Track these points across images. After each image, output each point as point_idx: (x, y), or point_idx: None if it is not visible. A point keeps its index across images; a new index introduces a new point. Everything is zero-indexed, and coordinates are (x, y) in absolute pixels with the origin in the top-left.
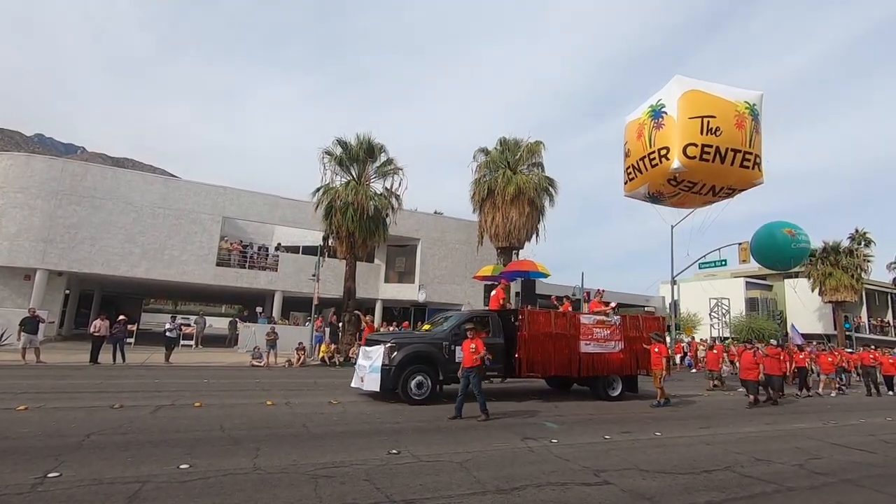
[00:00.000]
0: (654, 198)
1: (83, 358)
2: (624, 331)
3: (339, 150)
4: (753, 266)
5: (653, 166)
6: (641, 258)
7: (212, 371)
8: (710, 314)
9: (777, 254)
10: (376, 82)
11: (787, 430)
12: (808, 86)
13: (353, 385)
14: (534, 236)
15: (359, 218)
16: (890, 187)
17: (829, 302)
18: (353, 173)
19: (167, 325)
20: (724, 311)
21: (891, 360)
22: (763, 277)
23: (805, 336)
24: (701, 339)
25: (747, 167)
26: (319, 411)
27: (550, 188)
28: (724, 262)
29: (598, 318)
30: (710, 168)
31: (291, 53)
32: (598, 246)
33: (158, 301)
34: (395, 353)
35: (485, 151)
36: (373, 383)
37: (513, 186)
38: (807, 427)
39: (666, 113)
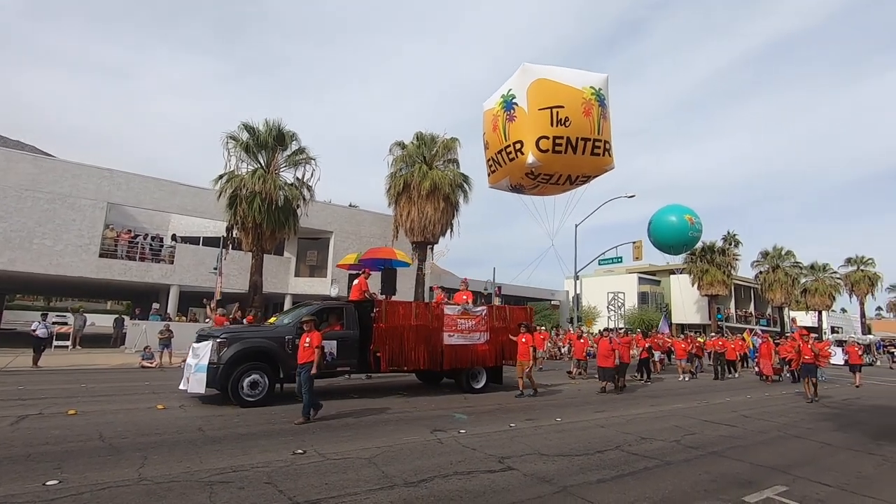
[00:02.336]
0: (517, 189)
1: None
2: (490, 322)
3: (245, 136)
4: (645, 263)
5: (510, 160)
6: (549, 255)
7: (92, 374)
8: (607, 307)
9: (673, 236)
10: (287, 70)
11: (668, 410)
12: (691, 106)
13: (180, 388)
14: (448, 232)
15: (267, 208)
16: (755, 197)
17: (706, 295)
18: (262, 161)
19: (35, 324)
20: (619, 304)
21: (732, 346)
22: (653, 273)
23: (686, 326)
24: (575, 329)
25: (598, 154)
26: (218, 413)
27: (465, 185)
28: (620, 259)
29: (462, 309)
30: (564, 159)
31: (190, 31)
32: (509, 243)
33: (28, 297)
34: (226, 349)
35: (401, 145)
36: (198, 384)
37: (428, 182)
38: (684, 407)
39: (517, 104)
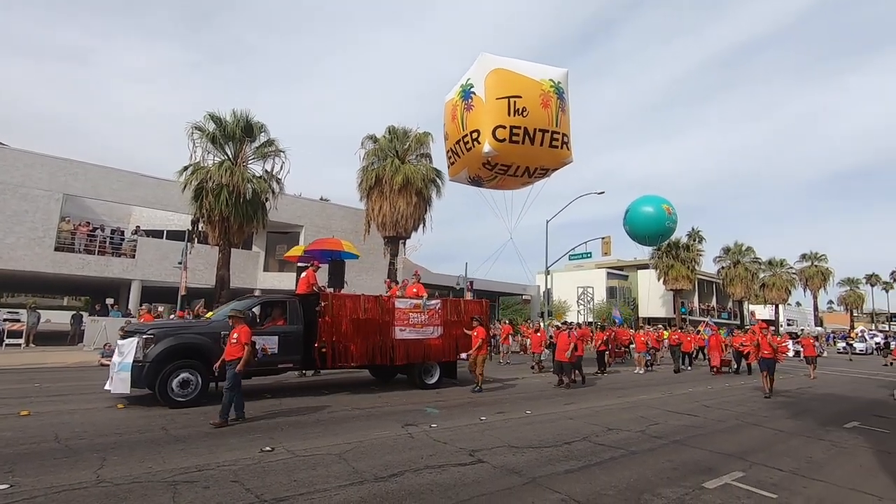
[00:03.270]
0: (476, 182)
1: None
2: (444, 316)
3: (211, 127)
4: (614, 258)
5: (468, 150)
6: (520, 249)
7: (47, 373)
8: (577, 301)
9: (650, 224)
10: (255, 60)
11: (634, 401)
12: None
13: (105, 388)
14: (421, 226)
15: (234, 201)
16: (718, 195)
17: (671, 290)
18: (229, 153)
19: None
20: (589, 299)
21: (689, 339)
22: (621, 268)
23: (651, 319)
24: (546, 324)
25: (556, 147)
26: (183, 412)
27: (438, 179)
28: (589, 255)
29: (415, 302)
30: (521, 150)
31: (155, 19)
32: (482, 238)
33: None
34: (153, 346)
35: (373, 139)
36: (122, 384)
37: (401, 176)
38: (649, 398)
39: (474, 94)
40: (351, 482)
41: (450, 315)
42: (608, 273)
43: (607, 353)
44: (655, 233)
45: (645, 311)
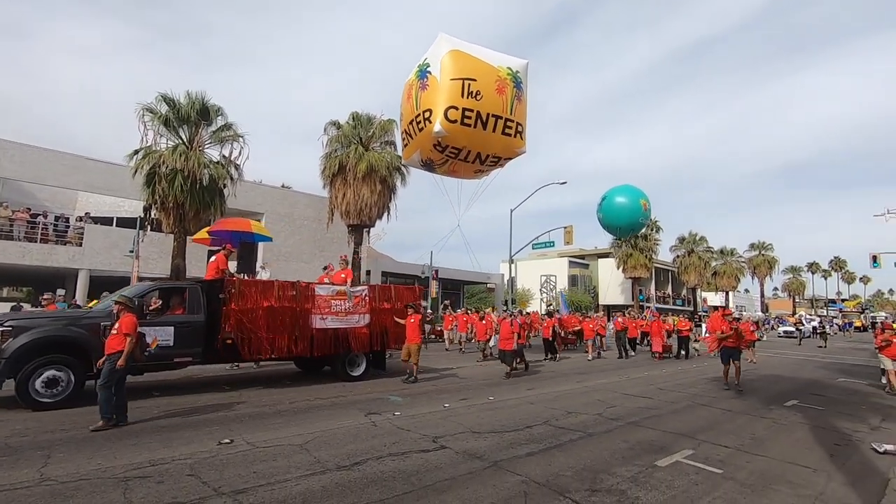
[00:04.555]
0: (428, 165)
1: None
2: (372, 302)
3: (164, 109)
4: (576, 247)
5: (420, 130)
6: (486, 239)
7: None
8: (540, 290)
9: (624, 216)
10: (212, 40)
11: (593, 385)
12: (621, 98)
13: None
14: (385, 215)
15: (190, 187)
16: (675, 186)
17: (630, 278)
18: (183, 136)
19: None
20: (551, 287)
21: (634, 325)
22: (582, 257)
23: (610, 307)
24: (476, 310)
25: (509, 135)
26: (137, 406)
27: (402, 168)
28: (552, 244)
29: (337, 288)
30: (473, 134)
31: None
32: (448, 227)
33: None
34: (10, 339)
35: (336, 125)
36: None
37: (365, 164)
38: (607, 382)
39: (430, 73)
40: (313, 472)
41: (378, 302)
42: (570, 262)
43: (556, 339)
44: (627, 226)
45: (605, 298)
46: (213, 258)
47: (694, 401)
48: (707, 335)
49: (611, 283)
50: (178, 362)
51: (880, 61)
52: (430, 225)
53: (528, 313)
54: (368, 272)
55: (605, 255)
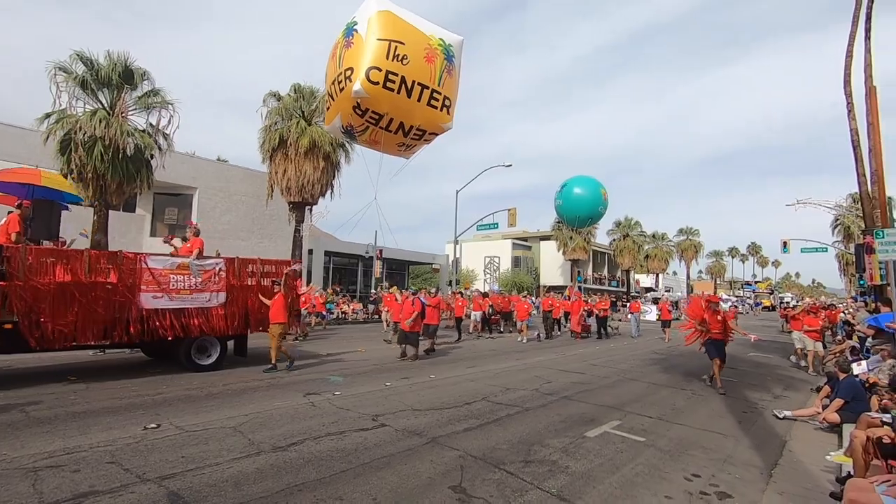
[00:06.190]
0: (349, 132)
1: None
2: (229, 279)
3: (80, 69)
4: (519, 229)
5: (340, 90)
6: (432, 219)
7: None
8: (484, 270)
9: (585, 205)
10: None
11: (531, 363)
12: (563, 83)
13: None
14: (329, 192)
15: (112, 157)
16: (619, 169)
17: (569, 260)
18: (104, 101)
19: None
20: (495, 268)
21: (557, 304)
22: (525, 239)
23: (551, 288)
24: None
25: (435, 107)
26: (49, 391)
27: (347, 144)
28: (496, 225)
29: (178, 261)
30: (396, 99)
31: None
32: (393, 205)
33: None
34: None
35: (276, 96)
36: None
37: (307, 138)
38: (545, 359)
39: (357, 31)
40: (247, 454)
41: (239, 278)
42: (514, 243)
43: (489, 318)
44: (586, 215)
45: (546, 279)
46: (2, 220)
47: (623, 376)
48: (683, 320)
49: (552, 265)
50: None
51: (802, 60)
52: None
53: (459, 293)
54: (311, 251)
55: (547, 238)
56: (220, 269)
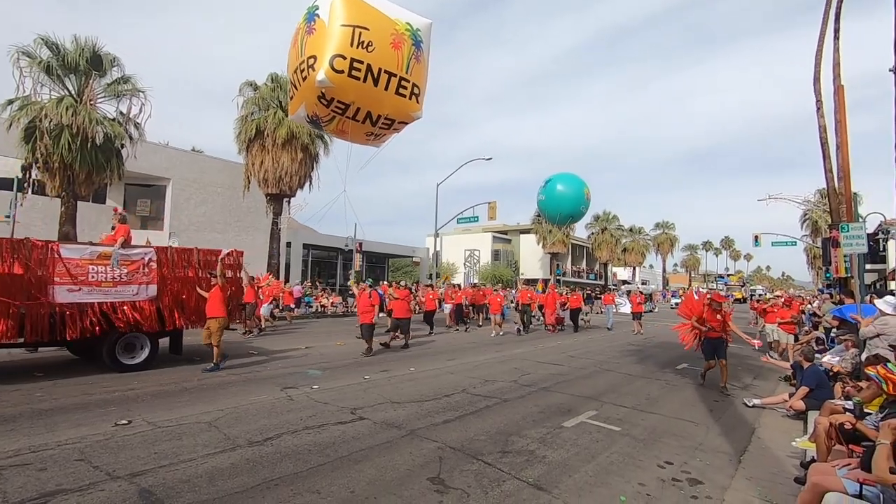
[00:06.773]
0: (314, 122)
1: None
2: (161, 269)
3: (45, 54)
4: (499, 223)
5: (304, 79)
6: (413, 213)
7: None
8: (464, 264)
9: (567, 203)
10: None
11: (510, 355)
12: (545, 79)
13: None
14: (307, 184)
15: (80, 146)
16: (598, 165)
17: (549, 253)
18: (71, 88)
19: None
20: (475, 261)
21: (529, 296)
22: (505, 233)
23: (529, 280)
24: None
25: (403, 95)
26: (14, 388)
27: (326, 136)
28: (476, 219)
29: (99, 250)
30: (361, 88)
31: None
32: (373, 198)
33: None
34: None
35: (253, 86)
36: None
37: (285, 129)
38: (523, 351)
39: (318, 16)
40: (222, 449)
41: (172, 269)
42: (494, 237)
43: (464, 310)
44: (567, 213)
45: (526, 272)
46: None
47: (600, 367)
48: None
49: (532, 258)
50: None
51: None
52: (356, 196)
53: (429, 286)
54: (289, 244)
55: (527, 231)
56: (149, 260)
